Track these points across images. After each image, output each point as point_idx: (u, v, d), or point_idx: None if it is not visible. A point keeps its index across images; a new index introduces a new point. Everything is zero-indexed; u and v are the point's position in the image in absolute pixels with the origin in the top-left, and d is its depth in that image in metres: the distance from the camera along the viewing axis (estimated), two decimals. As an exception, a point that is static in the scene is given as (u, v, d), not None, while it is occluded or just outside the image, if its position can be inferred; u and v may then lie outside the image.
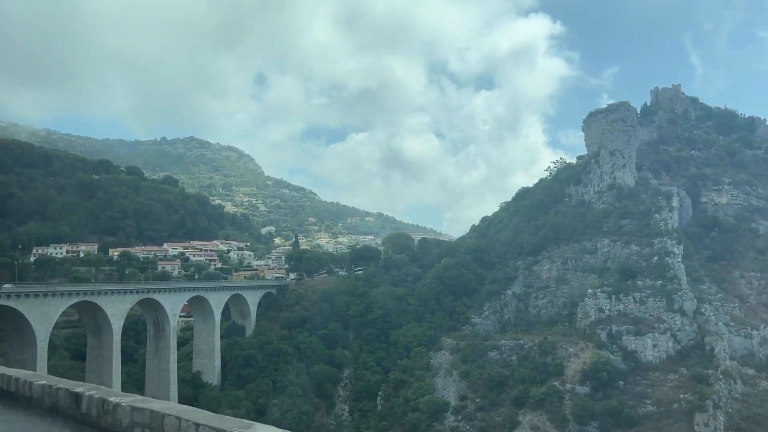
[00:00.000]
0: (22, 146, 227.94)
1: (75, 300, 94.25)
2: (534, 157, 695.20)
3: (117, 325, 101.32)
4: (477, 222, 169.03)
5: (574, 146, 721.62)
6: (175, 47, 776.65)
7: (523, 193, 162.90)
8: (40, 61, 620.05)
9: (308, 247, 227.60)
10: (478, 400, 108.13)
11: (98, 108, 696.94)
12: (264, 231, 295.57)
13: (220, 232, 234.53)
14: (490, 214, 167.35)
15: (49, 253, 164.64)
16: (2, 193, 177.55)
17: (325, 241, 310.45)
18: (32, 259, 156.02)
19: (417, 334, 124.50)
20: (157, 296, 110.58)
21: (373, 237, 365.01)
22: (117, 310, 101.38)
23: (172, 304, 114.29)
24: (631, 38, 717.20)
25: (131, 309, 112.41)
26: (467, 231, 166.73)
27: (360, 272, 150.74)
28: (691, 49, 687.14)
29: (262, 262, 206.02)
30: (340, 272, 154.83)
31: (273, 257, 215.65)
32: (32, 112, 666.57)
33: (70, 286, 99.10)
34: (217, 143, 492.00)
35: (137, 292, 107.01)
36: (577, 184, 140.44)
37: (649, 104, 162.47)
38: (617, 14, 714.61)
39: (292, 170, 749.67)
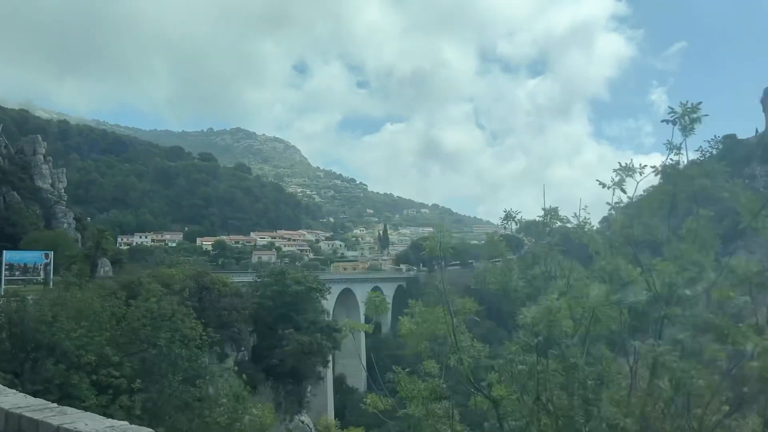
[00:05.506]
0: (95, 132, 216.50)
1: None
2: (578, 149, 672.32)
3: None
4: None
5: (618, 137, 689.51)
6: (219, 33, 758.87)
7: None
8: (84, 50, 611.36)
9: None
10: None
11: (143, 98, 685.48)
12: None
13: (302, 221, 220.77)
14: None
15: (134, 242, 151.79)
16: (83, 180, 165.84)
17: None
18: (122, 248, 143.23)
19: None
20: (353, 286, 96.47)
21: (432, 229, 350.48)
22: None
23: (362, 295, 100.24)
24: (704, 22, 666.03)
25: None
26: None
27: (498, 264, 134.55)
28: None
29: (356, 253, 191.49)
30: (474, 263, 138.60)
31: (365, 248, 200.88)
32: (78, 102, 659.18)
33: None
34: (263, 134, 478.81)
35: (341, 281, 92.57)
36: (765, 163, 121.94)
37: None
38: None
39: (327, 161, 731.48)
